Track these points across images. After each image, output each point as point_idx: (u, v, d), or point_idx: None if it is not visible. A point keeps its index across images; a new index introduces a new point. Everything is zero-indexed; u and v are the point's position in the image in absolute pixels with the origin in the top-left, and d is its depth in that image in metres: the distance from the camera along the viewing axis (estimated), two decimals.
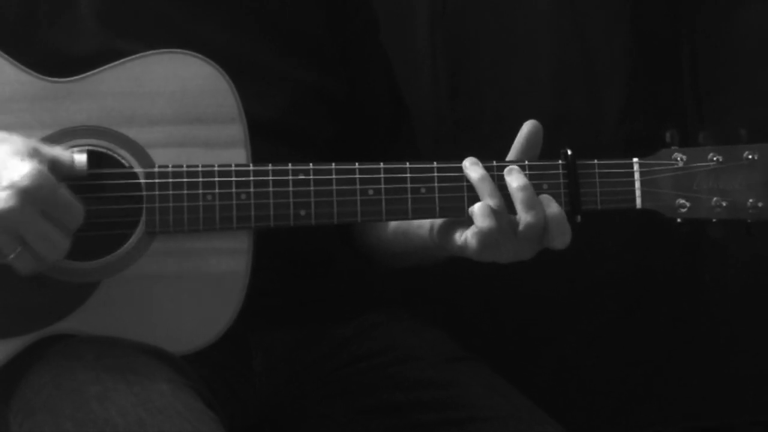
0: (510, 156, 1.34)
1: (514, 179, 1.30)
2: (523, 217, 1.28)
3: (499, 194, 1.29)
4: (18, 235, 1.16)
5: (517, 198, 1.29)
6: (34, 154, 1.18)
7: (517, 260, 1.33)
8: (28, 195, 1.13)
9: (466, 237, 1.31)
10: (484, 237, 1.29)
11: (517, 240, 1.30)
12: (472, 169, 1.31)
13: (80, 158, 1.23)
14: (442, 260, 1.48)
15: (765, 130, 1.34)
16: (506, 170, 1.31)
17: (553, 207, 1.30)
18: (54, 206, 1.16)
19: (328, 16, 1.58)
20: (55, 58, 1.37)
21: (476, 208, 1.28)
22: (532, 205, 1.28)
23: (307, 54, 1.53)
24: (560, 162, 1.33)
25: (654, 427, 2.03)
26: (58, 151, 1.23)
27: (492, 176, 1.30)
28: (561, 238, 1.30)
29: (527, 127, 1.34)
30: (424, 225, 1.42)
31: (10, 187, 1.13)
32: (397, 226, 1.52)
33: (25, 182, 1.13)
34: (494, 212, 1.28)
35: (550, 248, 1.31)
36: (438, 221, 1.38)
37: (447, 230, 1.36)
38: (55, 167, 1.19)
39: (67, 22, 1.41)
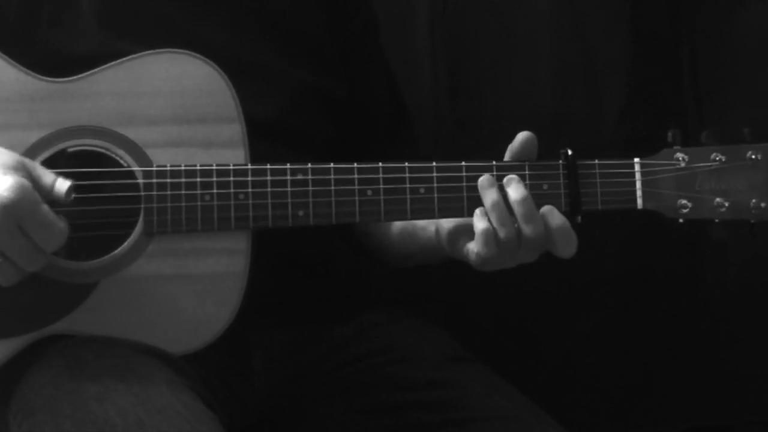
0: (505, 159, 1.34)
1: (513, 190, 1.29)
2: (523, 229, 1.28)
3: (510, 222, 1.28)
4: None
5: (517, 211, 1.28)
6: (19, 167, 1.18)
7: (520, 264, 1.33)
8: (6, 208, 1.13)
9: (468, 250, 1.32)
10: (486, 259, 1.30)
11: (520, 253, 1.30)
12: (487, 193, 1.30)
13: (62, 184, 1.21)
14: (448, 259, 1.47)
15: (765, 131, 1.34)
16: (505, 180, 1.30)
17: (556, 218, 1.29)
18: (32, 223, 1.16)
19: (328, 16, 1.58)
20: (56, 58, 1.37)
21: (480, 234, 1.29)
22: (530, 218, 1.28)
23: (307, 54, 1.53)
24: (560, 162, 1.33)
25: (654, 427, 2.04)
26: (43, 171, 1.22)
27: (491, 176, 1.30)
28: (567, 249, 1.29)
29: (519, 141, 1.33)
30: (429, 227, 1.43)
31: None
32: (403, 227, 1.52)
33: (5, 195, 1.13)
34: (499, 241, 1.28)
35: (555, 255, 1.31)
36: (444, 227, 1.38)
37: (454, 237, 1.36)
38: (37, 186, 1.18)
39: (67, 22, 1.41)
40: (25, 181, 1.15)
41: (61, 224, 1.19)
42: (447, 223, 1.37)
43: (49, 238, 1.18)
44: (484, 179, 1.31)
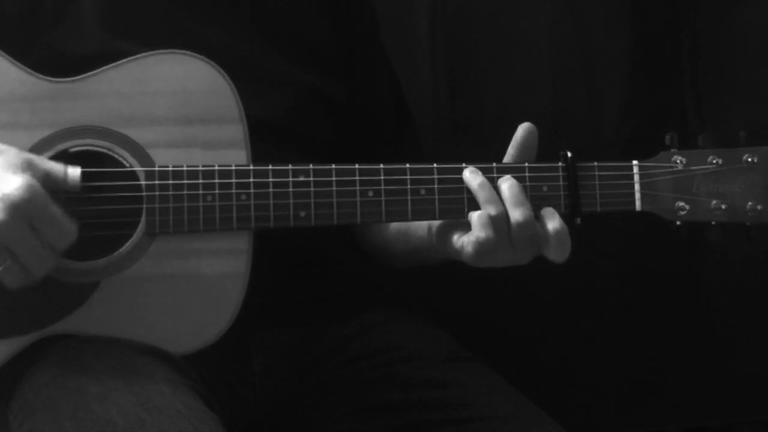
0: (506, 159, 1.34)
1: (503, 181, 1.30)
2: (512, 214, 1.28)
3: (498, 200, 1.29)
4: (6, 248, 1.16)
5: (505, 197, 1.29)
6: (27, 167, 1.18)
7: (513, 265, 1.33)
8: (17, 209, 1.13)
9: (462, 243, 1.32)
10: (481, 246, 1.29)
11: (513, 246, 1.30)
12: (472, 177, 1.31)
13: (74, 173, 1.22)
14: (442, 262, 1.48)
15: (765, 130, 1.35)
16: (499, 181, 1.31)
17: (556, 221, 1.29)
18: (43, 222, 1.16)
19: (331, 22, 1.58)
20: (58, 58, 1.37)
21: (475, 217, 1.29)
22: (519, 202, 1.28)
23: (309, 57, 1.53)
24: (560, 164, 1.33)
25: (654, 427, 2.04)
26: (51, 165, 1.22)
27: (492, 178, 1.31)
28: (561, 252, 1.29)
29: (522, 130, 1.34)
30: (423, 225, 1.43)
31: (1, 200, 1.13)
32: (398, 226, 1.53)
33: (16, 196, 1.13)
34: (492, 221, 1.28)
35: (548, 259, 1.31)
36: (436, 222, 1.38)
37: (444, 232, 1.36)
38: (48, 181, 1.19)
39: (69, 23, 1.41)
40: (34, 181, 1.16)
41: (70, 222, 1.19)
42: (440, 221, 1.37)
43: (60, 235, 1.18)
44: (466, 170, 1.32)
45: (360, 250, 1.64)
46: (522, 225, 1.28)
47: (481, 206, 1.29)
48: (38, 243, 1.16)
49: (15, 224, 1.14)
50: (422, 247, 1.45)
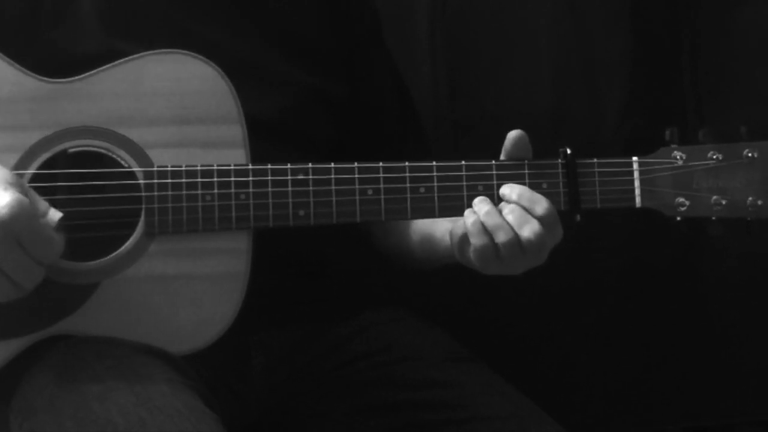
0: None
1: (504, 206, 1.31)
2: (520, 234, 1.28)
3: (504, 224, 1.29)
4: None
5: (510, 222, 1.29)
6: (15, 183, 1.18)
7: (530, 268, 1.34)
8: (5, 224, 1.13)
9: (470, 253, 1.32)
10: (481, 253, 1.30)
11: (524, 253, 1.30)
12: (481, 206, 1.31)
13: (53, 216, 1.20)
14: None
15: (765, 130, 1.35)
16: (501, 205, 1.32)
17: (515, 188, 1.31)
18: (29, 239, 1.16)
19: (331, 21, 1.58)
20: (57, 57, 1.37)
21: (470, 225, 1.30)
22: (522, 222, 1.29)
23: (308, 56, 1.53)
24: (559, 161, 1.33)
25: (654, 427, 2.04)
26: (38, 197, 1.22)
27: (491, 175, 1.31)
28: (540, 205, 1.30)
29: (513, 136, 1.33)
30: (446, 237, 1.43)
31: None
32: (422, 237, 1.53)
33: (4, 212, 1.13)
34: (486, 229, 1.29)
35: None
36: (455, 234, 1.38)
37: (462, 245, 1.36)
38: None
39: (69, 23, 1.42)
40: (24, 198, 1.16)
41: (57, 236, 1.20)
42: (457, 230, 1.37)
43: (47, 252, 1.19)
44: (476, 200, 1.32)
45: (378, 252, 1.65)
46: (509, 245, 1.28)
47: (490, 231, 1.29)
48: (26, 258, 1.17)
49: (2, 241, 1.14)
50: (447, 255, 1.45)
